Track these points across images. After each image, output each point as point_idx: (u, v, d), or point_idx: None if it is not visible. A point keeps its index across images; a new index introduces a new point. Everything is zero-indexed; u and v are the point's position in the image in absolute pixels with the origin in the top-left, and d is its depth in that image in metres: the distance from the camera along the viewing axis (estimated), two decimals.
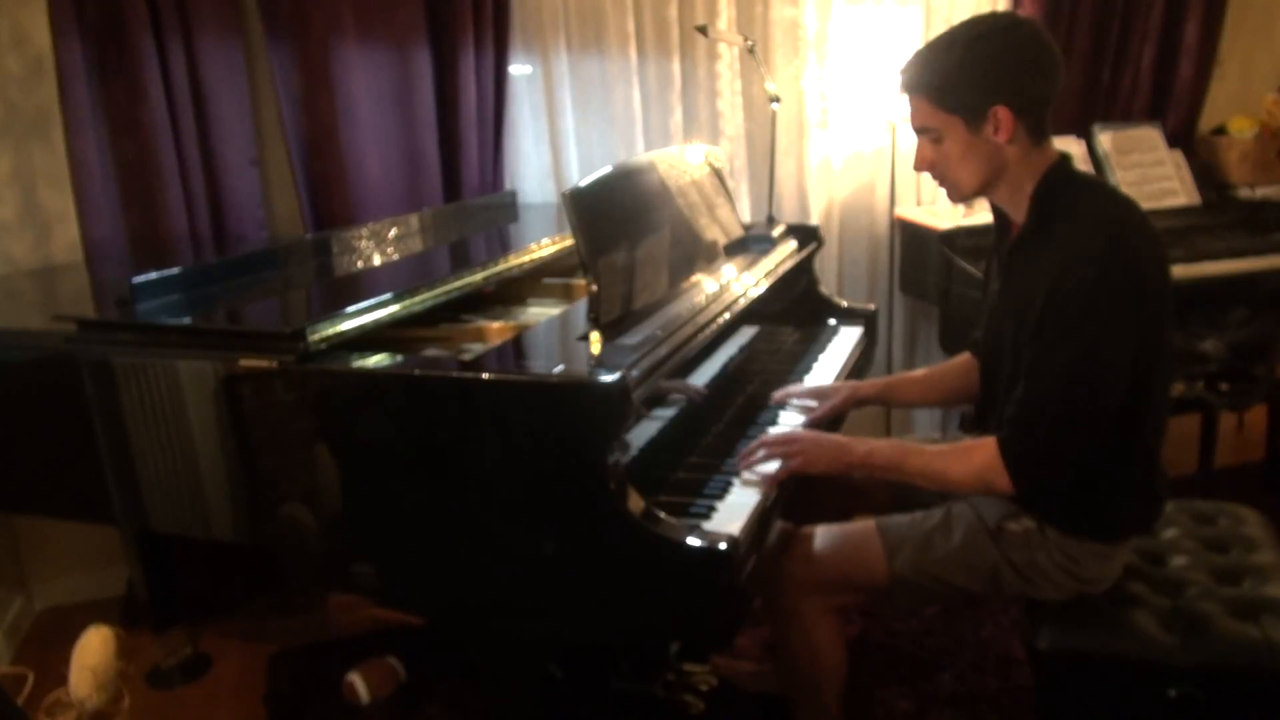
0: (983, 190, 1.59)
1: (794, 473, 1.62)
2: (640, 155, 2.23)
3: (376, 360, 1.49)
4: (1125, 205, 1.53)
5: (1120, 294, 1.42)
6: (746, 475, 1.62)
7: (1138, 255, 1.44)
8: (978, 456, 1.53)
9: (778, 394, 1.97)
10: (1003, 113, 1.49)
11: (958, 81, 1.50)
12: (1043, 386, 1.48)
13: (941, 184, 1.61)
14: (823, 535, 1.71)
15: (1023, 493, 1.53)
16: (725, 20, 2.95)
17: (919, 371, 2.05)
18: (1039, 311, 1.48)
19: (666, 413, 1.67)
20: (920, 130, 1.58)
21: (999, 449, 1.50)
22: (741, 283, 1.95)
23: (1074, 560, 1.59)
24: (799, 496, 1.73)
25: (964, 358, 1.95)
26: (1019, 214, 1.59)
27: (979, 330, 1.90)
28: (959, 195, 1.60)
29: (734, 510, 1.52)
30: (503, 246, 2.36)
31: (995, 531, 1.63)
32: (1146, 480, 1.61)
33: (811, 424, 1.87)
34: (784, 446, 1.64)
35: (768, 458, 1.63)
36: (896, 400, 2.04)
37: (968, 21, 1.55)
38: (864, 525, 1.71)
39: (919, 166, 1.61)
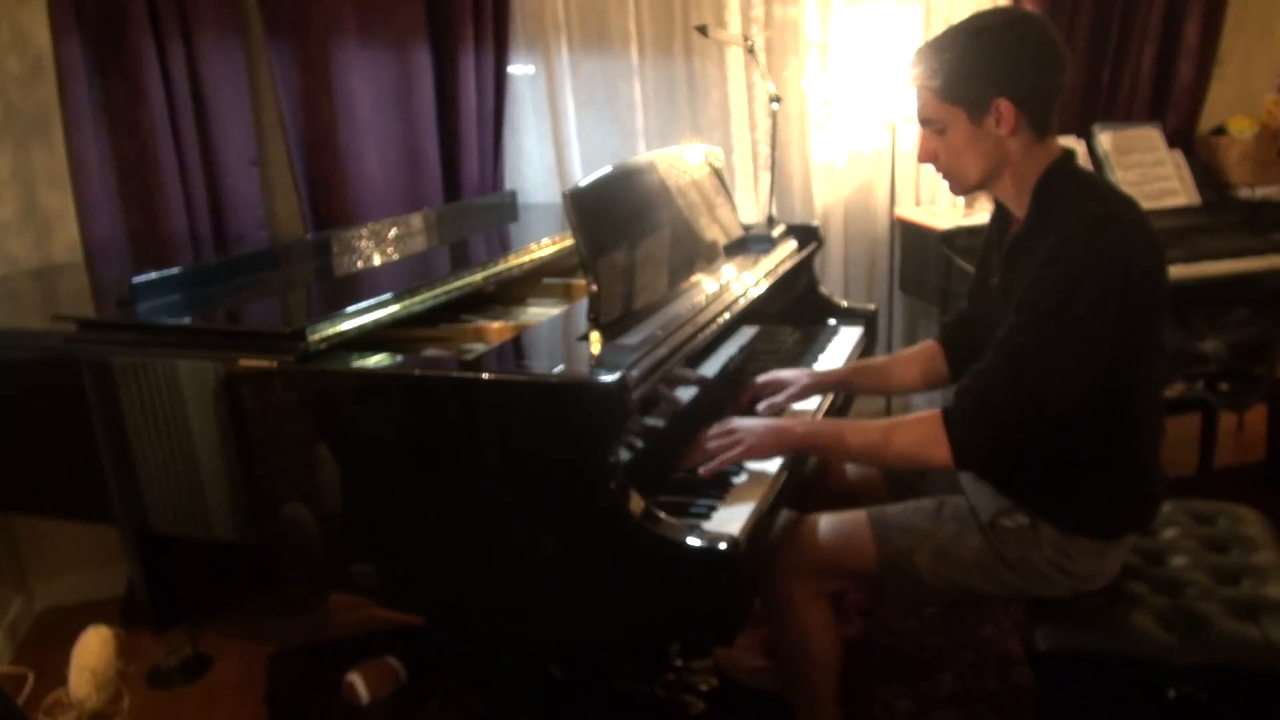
0: (984, 183, 1.59)
1: (738, 460, 1.62)
2: (640, 155, 2.23)
3: (376, 360, 1.50)
4: (1123, 205, 1.52)
5: (1099, 295, 1.42)
6: (703, 469, 1.61)
7: (1124, 258, 1.44)
8: (921, 427, 1.55)
9: (745, 391, 1.92)
10: (1004, 105, 1.49)
11: (960, 73, 1.51)
12: (998, 364, 1.49)
13: (945, 176, 1.62)
14: (815, 522, 1.73)
15: (959, 465, 1.54)
16: (727, 20, 2.96)
17: (880, 359, 2.06)
18: (1019, 298, 1.49)
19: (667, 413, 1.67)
20: (925, 122, 1.59)
21: (942, 417, 1.53)
22: (741, 283, 1.95)
23: (1067, 557, 1.59)
24: (800, 495, 1.73)
25: (927, 345, 1.96)
26: (1020, 208, 1.59)
27: (948, 317, 1.92)
28: (961, 188, 1.62)
29: (734, 510, 1.52)
30: (503, 246, 2.36)
31: (988, 526, 1.63)
32: (1140, 479, 1.61)
33: (770, 412, 1.86)
34: (725, 438, 1.63)
35: (715, 450, 1.62)
36: (859, 388, 2.03)
37: (974, 15, 1.57)
38: (856, 514, 1.72)
39: (923, 158, 1.62)
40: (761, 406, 1.88)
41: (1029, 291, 1.47)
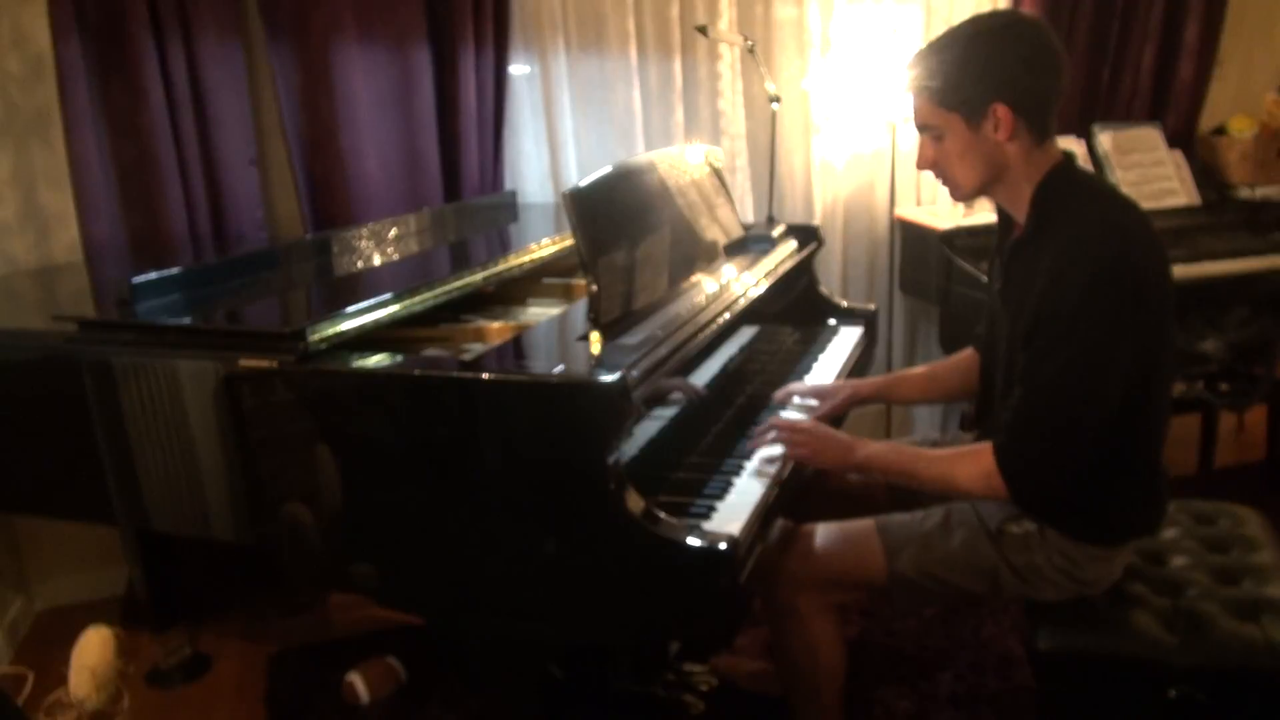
0: (984, 189, 1.58)
1: (799, 462, 1.67)
2: (640, 155, 2.23)
3: (376, 360, 1.50)
4: (1126, 210, 1.51)
5: (1114, 303, 1.41)
6: (757, 455, 1.69)
7: (1134, 264, 1.43)
8: (979, 463, 1.53)
9: (779, 393, 1.97)
10: (1002, 110, 1.48)
11: (957, 79, 1.49)
12: (1036, 395, 1.47)
13: (944, 183, 1.61)
14: (822, 533, 1.71)
15: (1021, 500, 1.54)
16: (726, 20, 2.96)
17: (920, 368, 2.05)
18: (1030, 316, 1.47)
19: (666, 413, 1.67)
20: (922, 128, 1.58)
21: (995, 457, 1.51)
22: (741, 283, 1.95)
23: (1073, 563, 1.59)
24: (799, 497, 1.73)
25: (966, 354, 1.95)
26: (1020, 214, 1.58)
27: (981, 326, 1.91)
28: (960, 194, 1.60)
29: (734, 510, 1.52)
30: (503, 246, 2.36)
31: (995, 534, 1.62)
32: (1149, 483, 1.60)
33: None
34: (792, 434, 1.68)
35: (777, 440, 1.68)
36: (897, 398, 2.04)
37: (970, 19, 1.55)
38: (863, 524, 1.70)
39: (921, 165, 1.61)
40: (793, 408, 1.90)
41: (1039, 313, 1.46)
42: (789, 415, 1.92)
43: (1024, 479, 1.50)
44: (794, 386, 1.98)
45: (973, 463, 1.54)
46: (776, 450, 1.69)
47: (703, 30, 2.50)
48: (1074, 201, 1.51)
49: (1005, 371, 1.58)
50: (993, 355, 1.69)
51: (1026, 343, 1.49)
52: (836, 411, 1.93)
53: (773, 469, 1.65)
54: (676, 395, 1.71)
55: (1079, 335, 1.42)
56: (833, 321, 2.49)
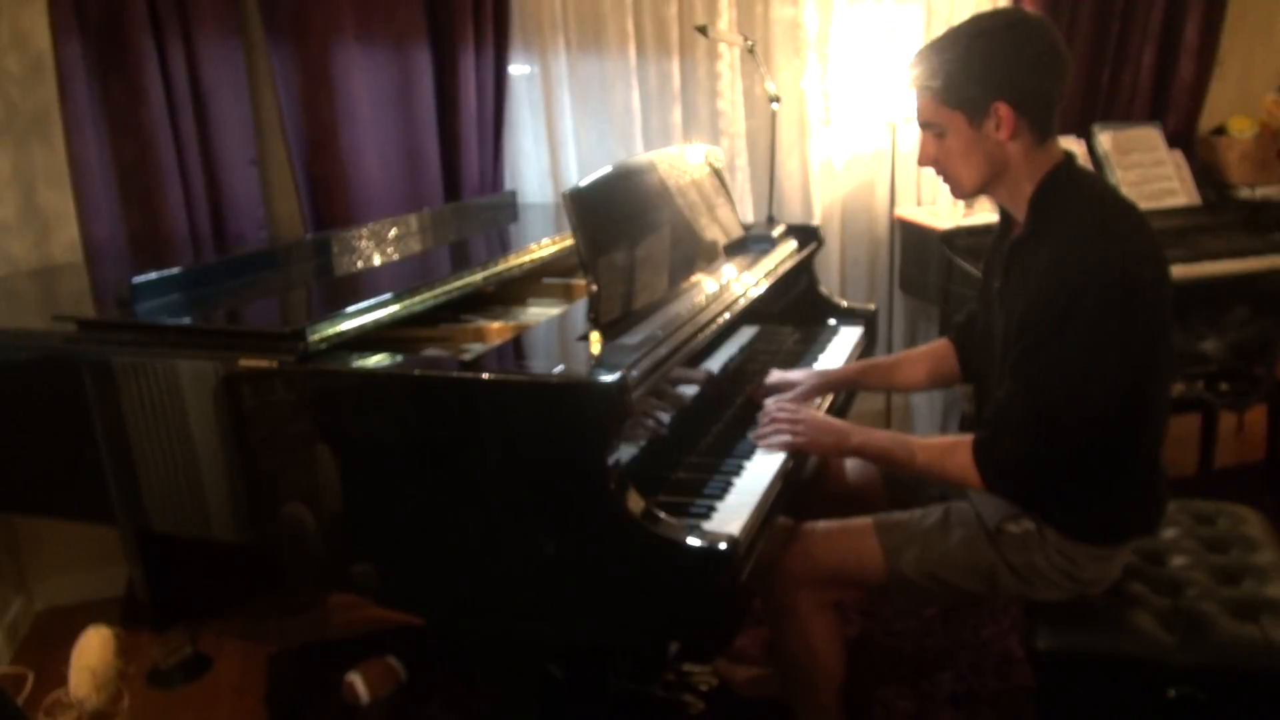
0: (985, 187, 1.58)
1: (797, 449, 1.68)
2: (640, 155, 2.23)
3: (376, 360, 1.50)
4: (1123, 214, 1.51)
5: (1105, 307, 1.41)
6: (758, 454, 1.69)
7: (1125, 270, 1.43)
8: (954, 456, 1.56)
9: (758, 391, 1.95)
10: (1004, 109, 1.48)
11: (960, 77, 1.50)
12: (1019, 393, 1.49)
13: (945, 180, 1.62)
14: (821, 531, 1.72)
15: (991, 490, 1.56)
16: (726, 20, 2.96)
17: (891, 356, 2.07)
18: (1021, 315, 1.48)
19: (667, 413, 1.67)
20: (924, 125, 1.58)
21: (972, 450, 1.53)
22: (741, 283, 1.95)
23: (1073, 562, 1.59)
24: (800, 496, 1.73)
25: (939, 343, 1.97)
26: (1020, 213, 1.58)
27: (961, 316, 1.91)
28: (961, 192, 1.61)
29: (734, 510, 1.52)
30: (503, 246, 2.36)
31: (994, 533, 1.63)
32: (1148, 483, 1.60)
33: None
34: (790, 424, 1.70)
35: (775, 432, 1.70)
36: (870, 385, 2.06)
37: (973, 17, 1.55)
38: (862, 522, 1.71)
39: (923, 161, 1.61)
40: (770, 402, 1.87)
41: (1029, 313, 1.46)
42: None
43: (1000, 475, 1.52)
44: (766, 382, 1.96)
45: (965, 452, 1.55)
46: (779, 439, 1.69)
47: (702, 30, 2.50)
48: (1071, 203, 1.51)
49: (1000, 371, 1.59)
50: (988, 355, 1.69)
51: (1015, 341, 1.49)
52: (806, 399, 1.91)
53: (772, 469, 1.65)
54: (683, 389, 1.71)
55: (1065, 338, 1.42)
56: (833, 321, 2.49)
